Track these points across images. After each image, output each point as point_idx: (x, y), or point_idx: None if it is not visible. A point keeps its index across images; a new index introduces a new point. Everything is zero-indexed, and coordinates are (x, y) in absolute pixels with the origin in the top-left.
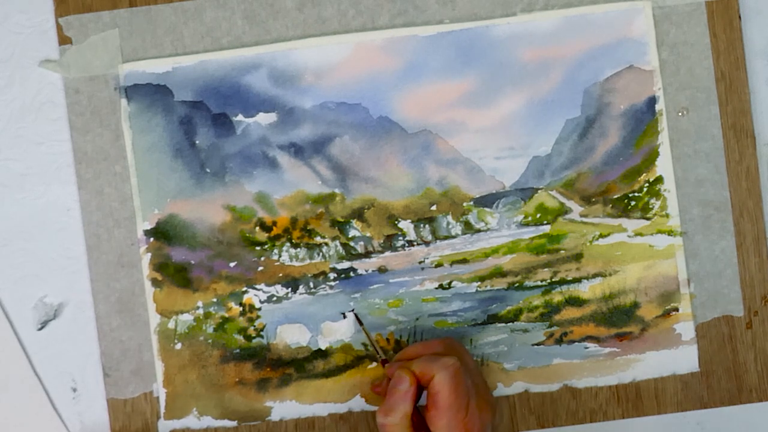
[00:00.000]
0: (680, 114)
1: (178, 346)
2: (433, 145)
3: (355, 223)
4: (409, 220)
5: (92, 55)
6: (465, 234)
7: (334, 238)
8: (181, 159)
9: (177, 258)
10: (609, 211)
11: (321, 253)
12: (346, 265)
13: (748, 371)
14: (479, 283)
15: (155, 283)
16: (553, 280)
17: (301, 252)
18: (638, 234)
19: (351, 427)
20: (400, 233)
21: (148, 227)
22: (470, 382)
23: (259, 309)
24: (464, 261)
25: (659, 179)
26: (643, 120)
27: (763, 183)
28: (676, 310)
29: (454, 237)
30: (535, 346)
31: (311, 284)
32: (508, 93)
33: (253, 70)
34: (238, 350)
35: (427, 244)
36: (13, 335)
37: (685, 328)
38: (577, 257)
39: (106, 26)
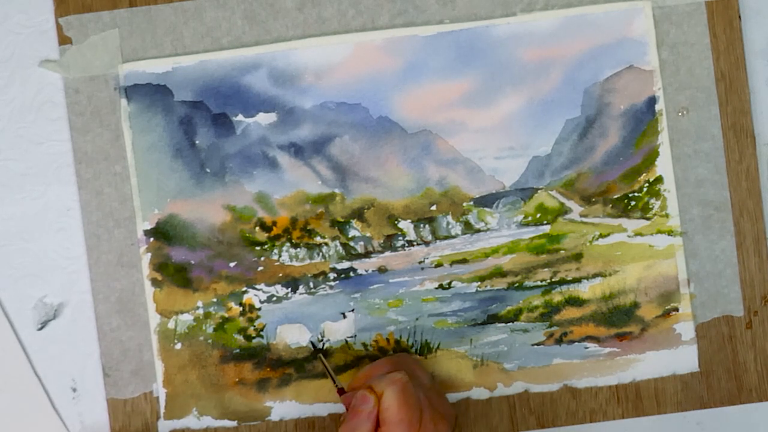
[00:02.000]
0: (680, 114)
1: (178, 346)
2: (433, 145)
3: (355, 223)
4: (409, 220)
5: (92, 55)
6: (465, 234)
7: (334, 238)
8: (181, 159)
9: (177, 258)
10: (609, 211)
11: (321, 253)
12: (346, 265)
13: (748, 371)
14: (479, 283)
15: (155, 283)
16: (553, 280)
17: (301, 252)
18: (638, 234)
19: None
20: (400, 233)
21: (148, 227)
22: (422, 396)
23: (259, 309)
24: (464, 261)
25: (659, 179)
26: (643, 120)
27: (763, 183)
28: (676, 310)
29: (454, 237)
30: (535, 346)
31: (311, 284)
32: (508, 93)
33: (253, 70)
34: (238, 350)
35: (427, 244)
36: (13, 335)
37: (685, 328)
38: (577, 257)
39: (106, 26)
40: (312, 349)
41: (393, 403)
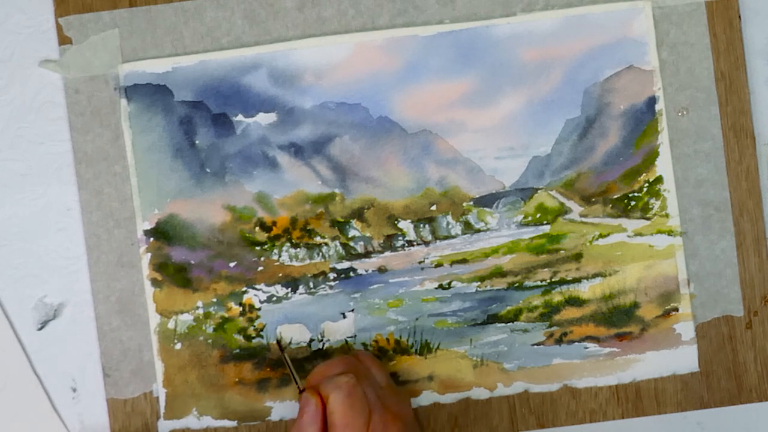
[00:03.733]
0: (680, 114)
1: (178, 346)
2: (433, 145)
3: (355, 223)
4: (409, 220)
5: (92, 55)
6: (465, 234)
7: (334, 238)
8: (181, 159)
9: (177, 258)
10: (609, 211)
11: (321, 253)
12: (346, 265)
13: (748, 371)
14: (479, 283)
15: (155, 283)
16: (553, 280)
17: (301, 252)
18: (638, 234)
19: None
20: (400, 233)
21: (148, 227)
22: (373, 396)
23: (259, 309)
24: (464, 261)
25: (659, 179)
26: (643, 120)
27: (763, 183)
28: (676, 310)
29: (454, 237)
30: (535, 346)
31: (311, 284)
32: (508, 93)
33: (253, 70)
34: (238, 350)
35: (427, 244)
36: (13, 335)
37: (685, 328)
38: (577, 257)
39: (106, 26)
40: (277, 347)
41: (338, 407)
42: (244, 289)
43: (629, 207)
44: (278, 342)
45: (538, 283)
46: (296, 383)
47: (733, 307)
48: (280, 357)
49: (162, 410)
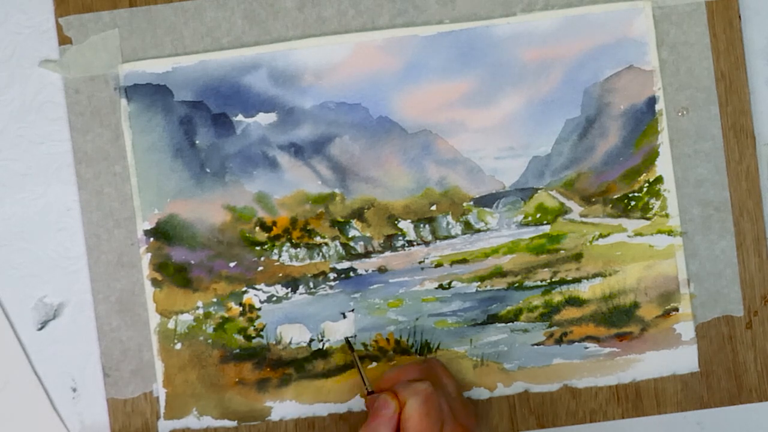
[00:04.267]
0: (680, 114)
1: (178, 346)
2: (433, 145)
3: (355, 223)
4: (409, 220)
5: (92, 55)
6: (465, 234)
7: (334, 238)
8: (181, 159)
9: (177, 258)
10: (609, 211)
11: (321, 253)
12: (346, 265)
13: (748, 371)
14: (479, 283)
15: (155, 283)
16: (553, 280)
17: (301, 252)
18: (638, 234)
19: (351, 427)
20: (400, 233)
21: (148, 227)
22: (445, 407)
23: (259, 309)
24: (464, 261)
25: (659, 179)
26: (643, 120)
27: (763, 183)
28: (676, 310)
29: (454, 237)
30: (535, 346)
31: (311, 284)
32: (508, 93)
33: (253, 70)
34: (238, 350)
35: (427, 244)
36: (13, 335)
37: (685, 328)
38: (577, 257)
39: (106, 26)
40: (347, 346)
41: (414, 413)
42: (244, 289)
43: (629, 207)
44: (348, 342)
45: (538, 283)
46: (365, 384)
47: (733, 307)
48: (280, 357)
49: (162, 410)
